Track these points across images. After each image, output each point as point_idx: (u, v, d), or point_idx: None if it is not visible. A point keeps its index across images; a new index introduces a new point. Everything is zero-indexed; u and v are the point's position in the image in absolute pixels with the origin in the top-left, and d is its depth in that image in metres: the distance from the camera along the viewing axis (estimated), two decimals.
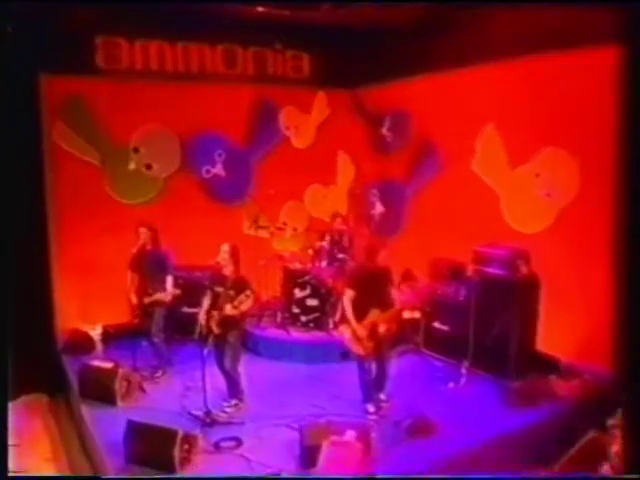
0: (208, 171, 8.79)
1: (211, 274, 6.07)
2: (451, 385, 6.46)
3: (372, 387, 5.95)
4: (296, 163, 9.28)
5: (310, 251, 7.85)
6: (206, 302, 6.01)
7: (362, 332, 5.71)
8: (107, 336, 7.84)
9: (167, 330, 6.99)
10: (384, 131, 9.21)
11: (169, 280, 6.71)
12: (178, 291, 6.90)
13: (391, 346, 6.10)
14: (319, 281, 7.50)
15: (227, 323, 5.77)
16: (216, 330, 5.76)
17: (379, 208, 9.41)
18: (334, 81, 9.33)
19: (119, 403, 6.03)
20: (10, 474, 4.04)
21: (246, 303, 5.65)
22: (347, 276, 6.04)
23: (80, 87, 7.70)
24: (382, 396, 6.10)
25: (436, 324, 7.09)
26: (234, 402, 5.98)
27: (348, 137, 9.58)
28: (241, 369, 6.05)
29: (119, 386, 6.04)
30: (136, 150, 8.22)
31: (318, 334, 7.38)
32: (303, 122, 9.45)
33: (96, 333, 7.83)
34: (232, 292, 5.74)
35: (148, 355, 6.89)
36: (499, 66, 7.20)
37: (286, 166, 9.17)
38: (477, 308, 6.63)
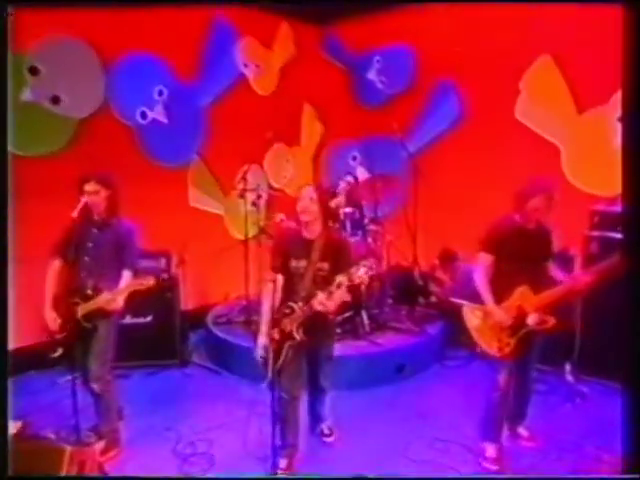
0: (144, 114, 5.69)
1: (279, 240, 3.44)
2: (578, 402, 4.26)
3: (502, 415, 3.58)
4: (256, 113, 6.50)
5: (330, 222, 5.06)
6: (269, 295, 3.29)
7: (504, 317, 3.40)
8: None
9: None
10: (372, 75, 6.78)
11: (126, 277, 3.58)
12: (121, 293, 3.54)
13: (537, 350, 3.73)
14: None
15: (319, 322, 3.15)
16: (298, 336, 3.11)
17: (362, 174, 6.96)
18: (303, 13, 6.68)
19: None
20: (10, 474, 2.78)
21: (360, 277, 2.99)
22: (484, 235, 3.61)
23: None
24: (522, 430, 3.78)
25: None
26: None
27: (317, 85, 7.01)
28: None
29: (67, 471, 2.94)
30: (34, 70, 4.90)
31: (357, 344, 4.73)
32: (266, 60, 6.68)
33: None
34: (326, 265, 3.17)
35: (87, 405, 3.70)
36: None
37: (244, 115, 6.39)
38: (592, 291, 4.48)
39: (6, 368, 2.79)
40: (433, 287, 5.61)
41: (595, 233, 4.53)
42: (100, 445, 3.53)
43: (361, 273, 2.94)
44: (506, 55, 5.63)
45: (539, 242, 3.51)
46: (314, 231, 3.26)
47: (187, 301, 5.33)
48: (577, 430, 3.84)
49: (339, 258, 3.20)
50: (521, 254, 3.44)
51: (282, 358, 3.16)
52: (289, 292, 3.24)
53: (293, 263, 3.26)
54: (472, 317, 3.57)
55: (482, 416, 3.59)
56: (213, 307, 5.87)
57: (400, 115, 6.47)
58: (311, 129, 7.29)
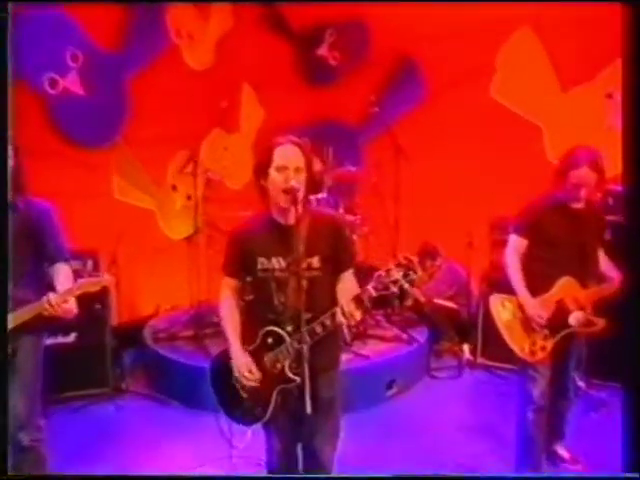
0: (54, 82, 4.55)
1: (236, 231, 2.35)
2: (602, 411, 3.69)
3: (540, 434, 2.93)
4: (189, 90, 5.51)
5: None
6: (228, 311, 2.36)
7: (539, 311, 2.79)
8: None
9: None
10: (323, 51, 6.00)
11: (62, 272, 2.60)
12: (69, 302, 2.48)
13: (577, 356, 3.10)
14: None
15: (321, 351, 2.14)
16: (292, 374, 2.10)
17: (315, 165, 6.14)
18: None
19: None
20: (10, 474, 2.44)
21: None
22: (517, 214, 2.98)
23: None
24: (561, 451, 3.15)
25: None
26: None
27: (258, 63, 6.11)
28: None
29: None
30: None
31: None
32: (200, 31, 5.70)
33: None
34: (316, 261, 2.17)
35: None
36: None
37: (176, 92, 5.37)
38: None
39: (5, 367, 2.34)
40: (410, 288, 4.89)
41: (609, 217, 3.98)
42: None
43: (398, 276, 1.89)
44: (480, 27, 5.06)
45: (587, 225, 2.88)
46: (293, 213, 2.11)
47: (118, 314, 4.27)
48: (616, 444, 3.22)
49: (336, 247, 2.18)
50: (564, 238, 2.84)
51: (271, 407, 2.19)
52: (262, 309, 2.20)
53: (262, 264, 2.18)
54: (501, 309, 2.92)
55: (518, 438, 2.92)
56: (147, 321, 4.79)
57: (357, 95, 5.75)
58: (250, 113, 6.37)
